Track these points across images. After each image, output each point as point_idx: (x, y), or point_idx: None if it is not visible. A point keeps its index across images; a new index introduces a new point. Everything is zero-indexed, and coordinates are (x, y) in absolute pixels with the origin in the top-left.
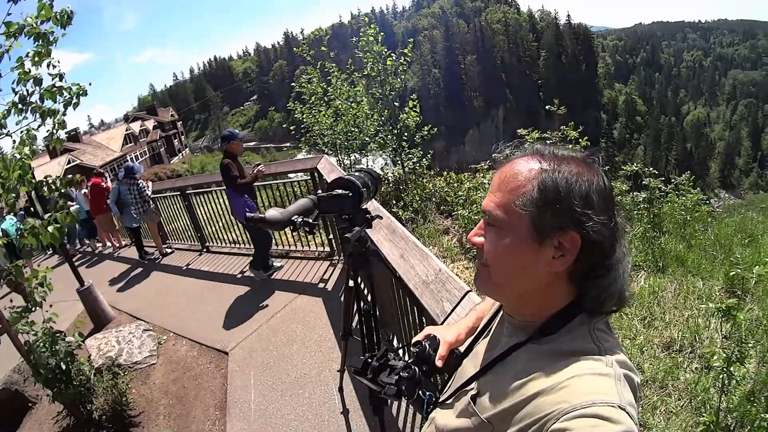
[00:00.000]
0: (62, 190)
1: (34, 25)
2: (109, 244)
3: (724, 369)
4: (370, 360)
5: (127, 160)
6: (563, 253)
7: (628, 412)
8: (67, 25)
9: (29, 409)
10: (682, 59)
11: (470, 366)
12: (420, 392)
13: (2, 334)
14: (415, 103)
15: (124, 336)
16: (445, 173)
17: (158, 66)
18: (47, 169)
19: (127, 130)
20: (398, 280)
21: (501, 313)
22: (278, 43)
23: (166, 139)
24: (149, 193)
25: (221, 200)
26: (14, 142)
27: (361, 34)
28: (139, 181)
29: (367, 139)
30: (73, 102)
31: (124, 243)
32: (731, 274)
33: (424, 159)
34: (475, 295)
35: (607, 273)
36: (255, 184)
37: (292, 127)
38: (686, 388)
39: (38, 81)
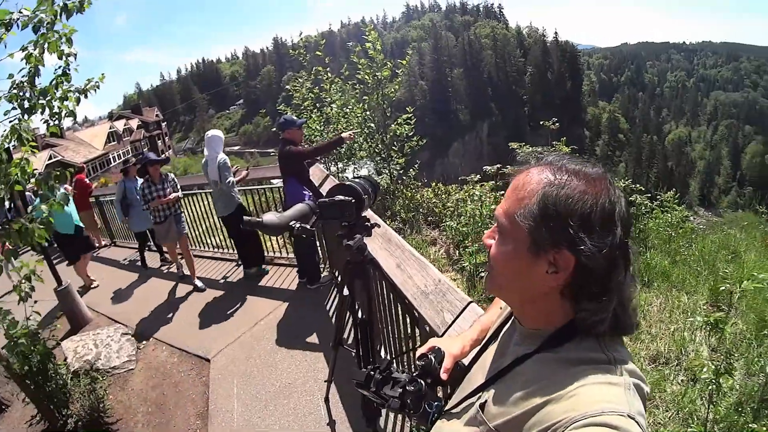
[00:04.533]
0: (52, 184)
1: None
2: None
3: (713, 381)
4: (373, 373)
5: (110, 159)
6: (556, 270)
7: (637, 422)
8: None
9: (1, 411)
10: (666, 79)
11: (479, 375)
12: (426, 405)
13: None
14: (410, 114)
15: (101, 339)
16: (434, 184)
17: (146, 65)
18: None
19: (110, 128)
20: (394, 290)
21: (510, 321)
22: (267, 48)
23: (149, 139)
24: (169, 191)
25: (204, 203)
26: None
27: (365, 37)
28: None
29: (356, 146)
30: (78, 97)
31: (104, 243)
32: (720, 288)
33: (411, 169)
34: (477, 306)
35: (599, 298)
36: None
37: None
38: (673, 400)
39: (33, 72)
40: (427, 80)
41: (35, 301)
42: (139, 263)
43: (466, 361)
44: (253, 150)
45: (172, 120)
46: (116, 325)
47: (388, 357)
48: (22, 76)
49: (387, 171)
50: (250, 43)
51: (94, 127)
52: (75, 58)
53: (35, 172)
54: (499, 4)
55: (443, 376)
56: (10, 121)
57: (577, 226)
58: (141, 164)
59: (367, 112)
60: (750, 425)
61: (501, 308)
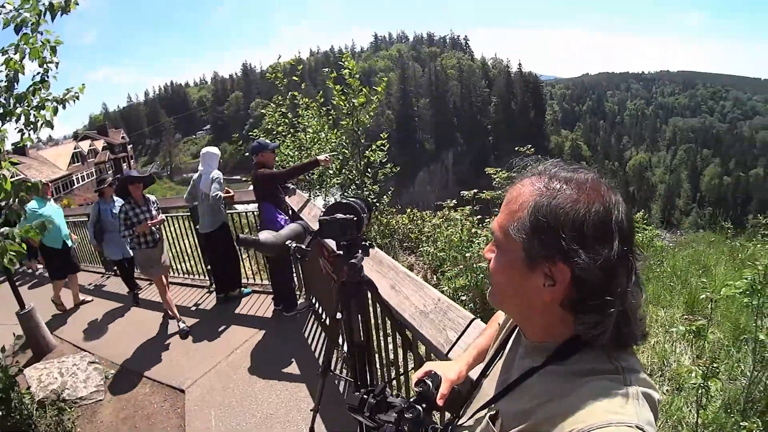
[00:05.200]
0: (22, 196)
1: (14, 12)
2: (39, 266)
3: (702, 385)
4: (367, 397)
5: (73, 180)
6: (553, 282)
7: (645, 431)
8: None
9: None
10: (626, 108)
11: (488, 388)
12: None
13: None
14: (384, 140)
15: (67, 368)
16: (409, 210)
17: (113, 85)
18: None
19: (75, 149)
20: (389, 312)
21: (515, 334)
22: (236, 74)
23: (114, 161)
24: (155, 213)
25: (174, 226)
26: None
27: (341, 63)
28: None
29: (329, 172)
30: (55, 107)
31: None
32: (701, 297)
33: (385, 196)
34: (481, 322)
35: (599, 309)
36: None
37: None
38: (661, 409)
39: (12, 78)
40: (393, 110)
41: None
42: (105, 288)
43: (474, 374)
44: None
45: (138, 143)
46: (82, 353)
47: (381, 382)
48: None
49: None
50: (219, 68)
51: (59, 146)
52: (56, 67)
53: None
54: (465, 36)
55: (439, 401)
56: None
57: (570, 238)
58: (121, 182)
59: (343, 138)
60: (741, 423)
61: (499, 324)
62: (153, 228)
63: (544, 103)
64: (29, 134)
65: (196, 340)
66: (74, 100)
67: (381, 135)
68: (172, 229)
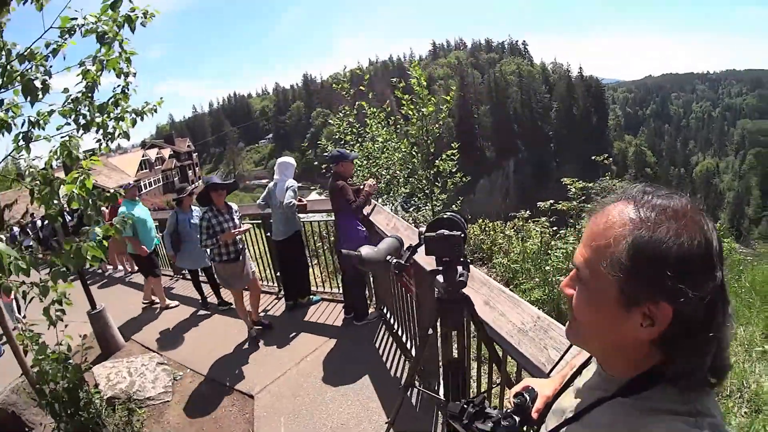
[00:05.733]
0: (99, 205)
1: (93, 25)
2: (120, 267)
3: None
4: (466, 406)
5: (141, 186)
6: (651, 322)
7: None
8: (141, 25)
9: None
10: (692, 110)
11: (560, 411)
12: None
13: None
14: (454, 150)
15: (136, 367)
16: (480, 220)
17: (179, 97)
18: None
19: (143, 156)
20: (482, 328)
21: (591, 363)
22: (297, 84)
23: (180, 168)
24: (237, 222)
25: (248, 234)
26: (53, 148)
27: (409, 72)
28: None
29: (397, 181)
30: (134, 118)
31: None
32: None
33: (453, 205)
34: None
35: (700, 346)
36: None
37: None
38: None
39: (90, 88)
40: (453, 117)
41: (66, 325)
42: (173, 290)
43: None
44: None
45: (202, 151)
46: (151, 354)
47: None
48: (78, 91)
49: (429, 207)
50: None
51: (127, 154)
52: (135, 77)
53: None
54: (524, 41)
55: (534, 415)
56: (62, 137)
57: (675, 275)
58: (204, 189)
59: (414, 148)
60: None
61: None
62: (236, 238)
63: (606, 107)
64: (106, 144)
65: (265, 347)
66: (152, 113)
67: (452, 144)
68: (246, 235)
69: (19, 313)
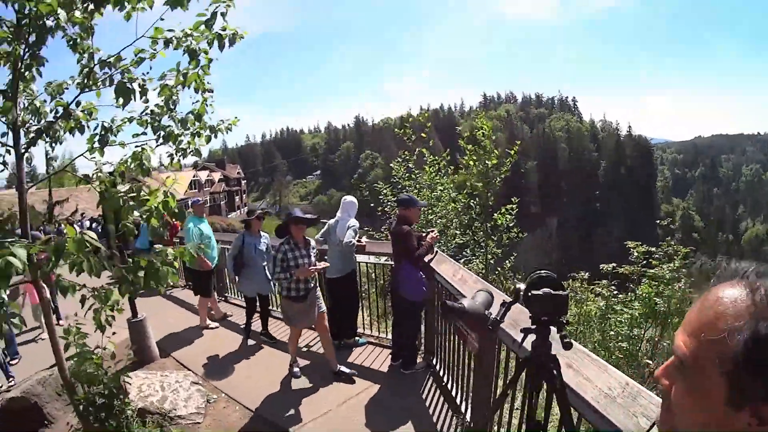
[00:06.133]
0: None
1: (184, 39)
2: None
3: None
4: None
5: (188, 203)
6: (762, 422)
7: None
8: (229, 44)
9: (44, 426)
10: (741, 173)
11: None
12: None
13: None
14: (514, 204)
15: (170, 383)
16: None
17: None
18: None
19: (194, 176)
20: (562, 391)
21: None
22: (348, 125)
23: (228, 193)
24: (314, 259)
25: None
26: (125, 156)
27: (475, 122)
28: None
29: (452, 232)
30: (211, 135)
31: (182, 284)
32: None
33: (507, 261)
34: None
35: None
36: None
37: (379, 209)
38: None
39: (173, 101)
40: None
41: (113, 332)
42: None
43: None
44: (325, 220)
45: (251, 179)
46: (186, 371)
47: None
48: (155, 104)
49: (482, 259)
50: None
51: (179, 172)
52: (212, 94)
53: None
54: (573, 98)
55: None
56: (137, 146)
57: None
58: (284, 221)
59: (473, 200)
60: None
61: None
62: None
63: (655, 168)
64: (178, 159)
65: (305, 382)
66: (227, 131)
67: (511, 199)
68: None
69: (57, 315)
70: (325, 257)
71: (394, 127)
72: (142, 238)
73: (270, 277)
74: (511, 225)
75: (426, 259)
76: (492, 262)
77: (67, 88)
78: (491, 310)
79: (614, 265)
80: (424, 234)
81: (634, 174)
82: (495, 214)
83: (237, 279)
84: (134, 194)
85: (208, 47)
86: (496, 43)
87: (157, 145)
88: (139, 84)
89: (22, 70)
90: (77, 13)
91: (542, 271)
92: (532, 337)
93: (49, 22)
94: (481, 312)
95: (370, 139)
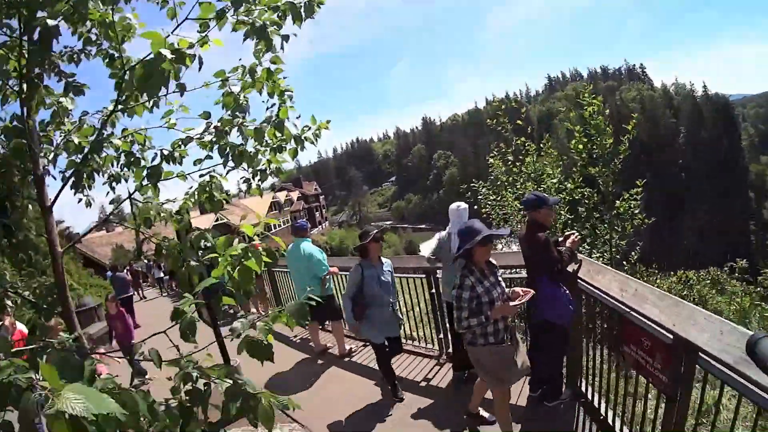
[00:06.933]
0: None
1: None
2: (253, 310)
3: None
4: None
5: (270, 226)
6: None
7: None
8: (308, 17)
9: None
10: None
11: None
12: None
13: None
14: (640, 187)
15: None
16: (680, 272)
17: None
18: (198, 222)
19: (273, 198)
20: None
21: None
22: (417, 128)
23: (308, 210)
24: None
25: (412, 286)
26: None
27: (579, 100)
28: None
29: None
30: (297, 147)
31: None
32: None
33: (633, 252)
34: None
35: None
36: None
37: (484, 209)
38: None
39: (242, 108)
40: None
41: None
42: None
43: None
44: (405, 225)
45: (328, 194)
46: (292, 425)
47: None
48: (218, 121)
49: (608, 253)
50: (400, 122)
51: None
52: (292, 93)
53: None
54: (641, 64)
55: None
56: (201, 175)
57: None
58: (466, 250)
59: (586, 189)
60: None
61: None
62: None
63: (737, 127)
64: (257, 185)
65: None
66: (315, 140)
67: (636, 182)
68: (411, 288)
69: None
70: (438, 276)
71: (463, 125)
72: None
73: (400, 317)
74: (636, 211)
75: (570, 269)
76: (617, 256)
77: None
78: None
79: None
80: (559, 238)
81: (717, 137)
82: (617, 201)
83: (357, 325)
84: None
85: (278, 22)
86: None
87: (228, 171)
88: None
89: (29, 92)
90: (91, 4)
91: None
92: None
93: (52, 21)
94: None
95: (440, 140)
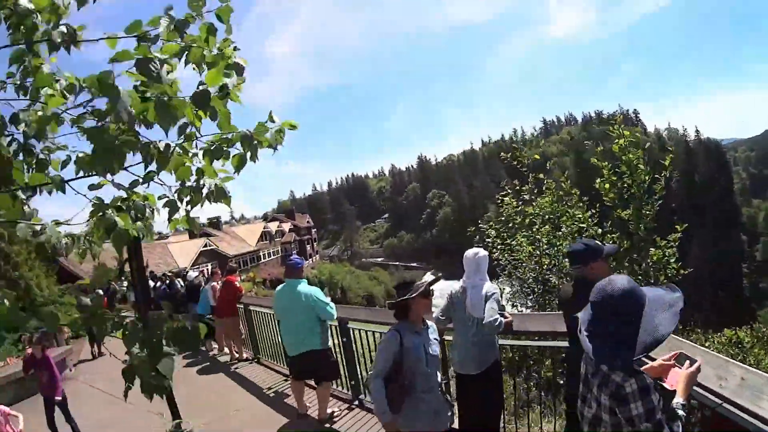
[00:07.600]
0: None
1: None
2: (227, 351)
3: None
4: None
5: (260, 255)
6: None
7: None
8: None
9: None
10: None
11: None
12: None
13: None
14: (680, 232)
15: None
16: (728, 331)
17: (299, 176)
18: (185, 246)
19: (264, 228)
20: None
21: None
22: (412, 166)
23: (299, 242)
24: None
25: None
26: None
27: (609, 132)
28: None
29: None
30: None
31: (246, 356)
32: None
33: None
34: None
35: None
36: None
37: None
38: None
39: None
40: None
41: None
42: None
43: None
44: (397, 263)
45: (321, 227)
46: None
47: None
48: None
49: None
50: (394, 160)
51: (249, 224)
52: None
53: None
54: (635, 110)
55: None
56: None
57: None
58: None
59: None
60: None
61: None
62: None
63: (729, 171)
64: (186, 209)
65: None
66: (278, 143)
67: (676, 227)
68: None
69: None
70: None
71: (459, 165)
72: (202, 303)
73: (450, 400)
74: (673, 260)
75: None
76: None
77: None
78: None
79: None
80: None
81: (710, 181)
82: (652, 249)
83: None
84: None
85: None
86: (545, 69)
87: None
88: None
89: None
90: None
91: None
92: None
93: None
94: None
95: (435, 179)
